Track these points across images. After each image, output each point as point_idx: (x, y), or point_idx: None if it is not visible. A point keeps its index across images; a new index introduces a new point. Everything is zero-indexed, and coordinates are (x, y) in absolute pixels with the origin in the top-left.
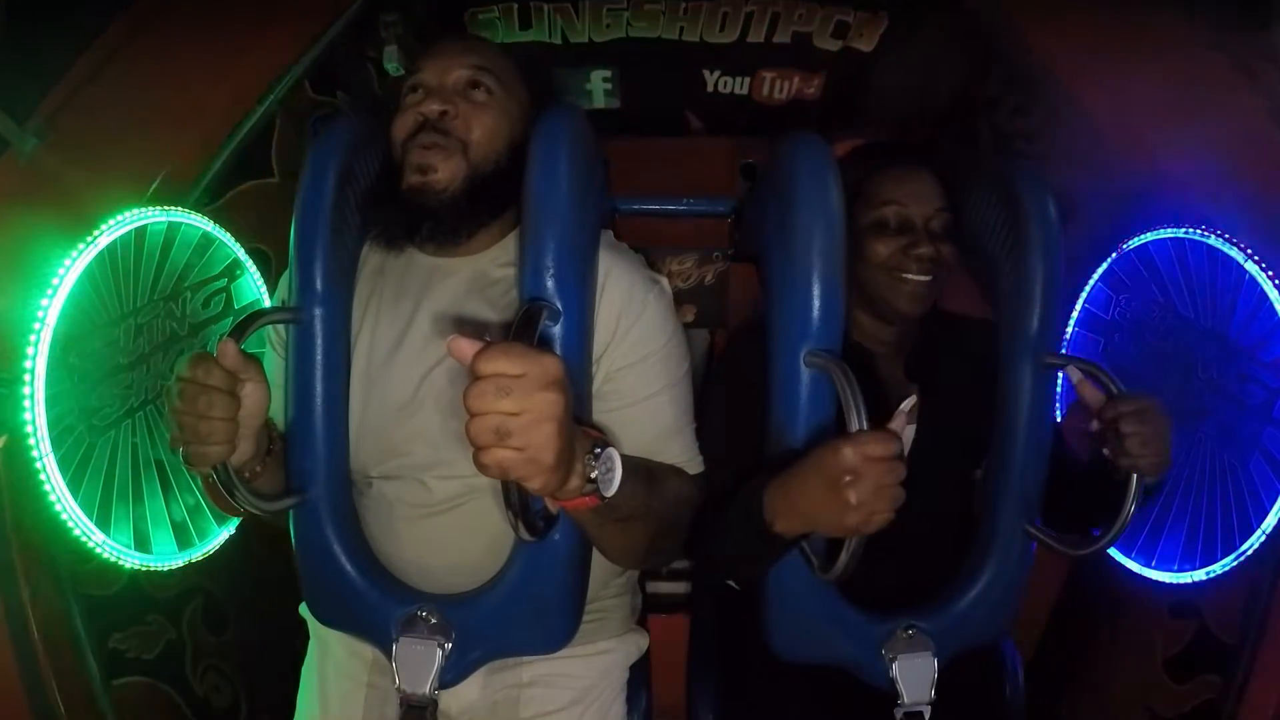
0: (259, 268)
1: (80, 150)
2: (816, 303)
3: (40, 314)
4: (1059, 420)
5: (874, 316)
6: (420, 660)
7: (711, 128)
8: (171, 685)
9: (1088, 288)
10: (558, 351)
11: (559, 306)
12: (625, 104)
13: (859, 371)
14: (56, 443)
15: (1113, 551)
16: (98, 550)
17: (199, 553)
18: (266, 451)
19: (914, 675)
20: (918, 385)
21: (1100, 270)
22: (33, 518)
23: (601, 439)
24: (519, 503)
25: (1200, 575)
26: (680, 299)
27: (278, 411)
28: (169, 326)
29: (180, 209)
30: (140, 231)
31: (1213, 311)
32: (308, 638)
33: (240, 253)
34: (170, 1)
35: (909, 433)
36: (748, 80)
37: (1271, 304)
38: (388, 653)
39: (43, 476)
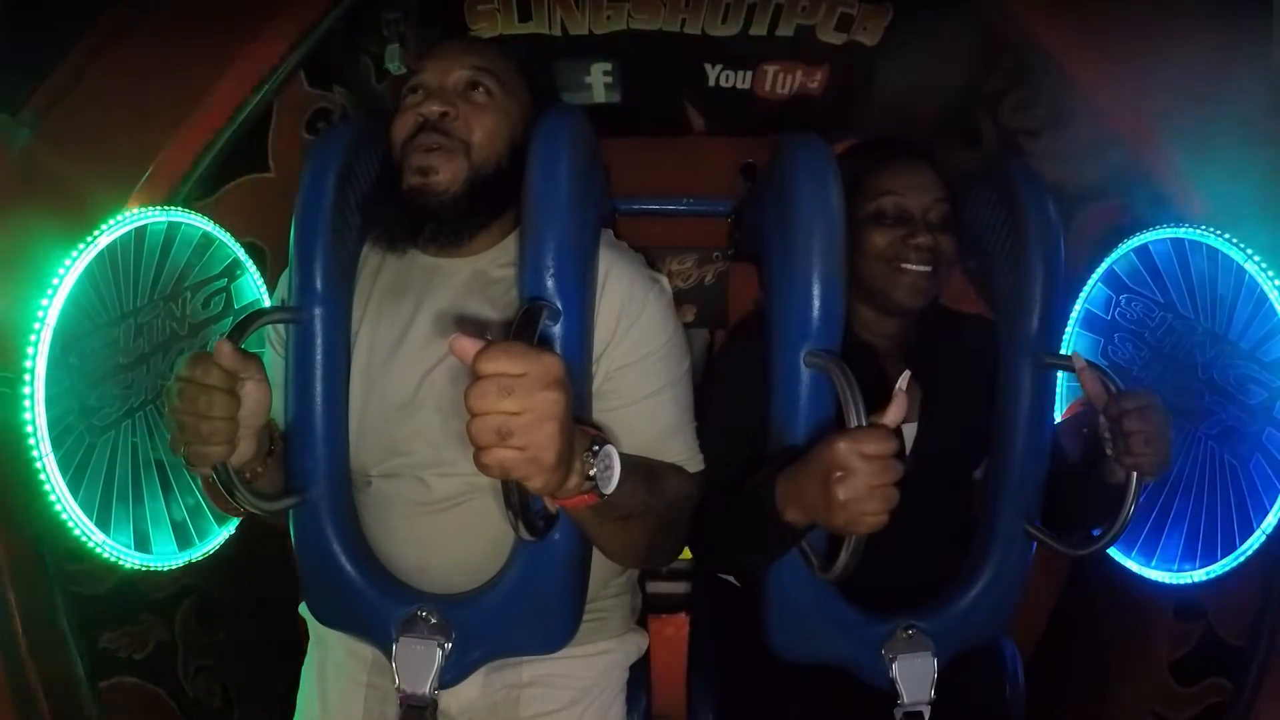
0: (255, 263)
1: (72, 142)
2: (816, 303)
3: (40, 314)
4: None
5: (874, 309)
6: (420, 660)
7: (713, 124)
8: (162, 686)
9: (1088, 288)
10: (558, 351)
11: (559, 306)
12: (626, 98)
13: (860, 367)
14: (56, 443)
15: (1112, 551)
16: (98, 550)
17: (199, 553)
18: (268, 452)
19: (914, 675)
20: (918, 381)
21: (1100, 270)
22: (21, 514)
23: (600, 437)
24: (519, 502)
25: (1200, 575)
26: (680, 299)
27: (279, 411)
28: (169, 326)
29: (180, 209)
30: (140, 231)
31: (1213, 311)
32: (307, 637)
33: (240, 253)
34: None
35: (910, 430)
36: (750, 74)
37: (1271, 304)
38: (387, 653)
39: (43, 476)
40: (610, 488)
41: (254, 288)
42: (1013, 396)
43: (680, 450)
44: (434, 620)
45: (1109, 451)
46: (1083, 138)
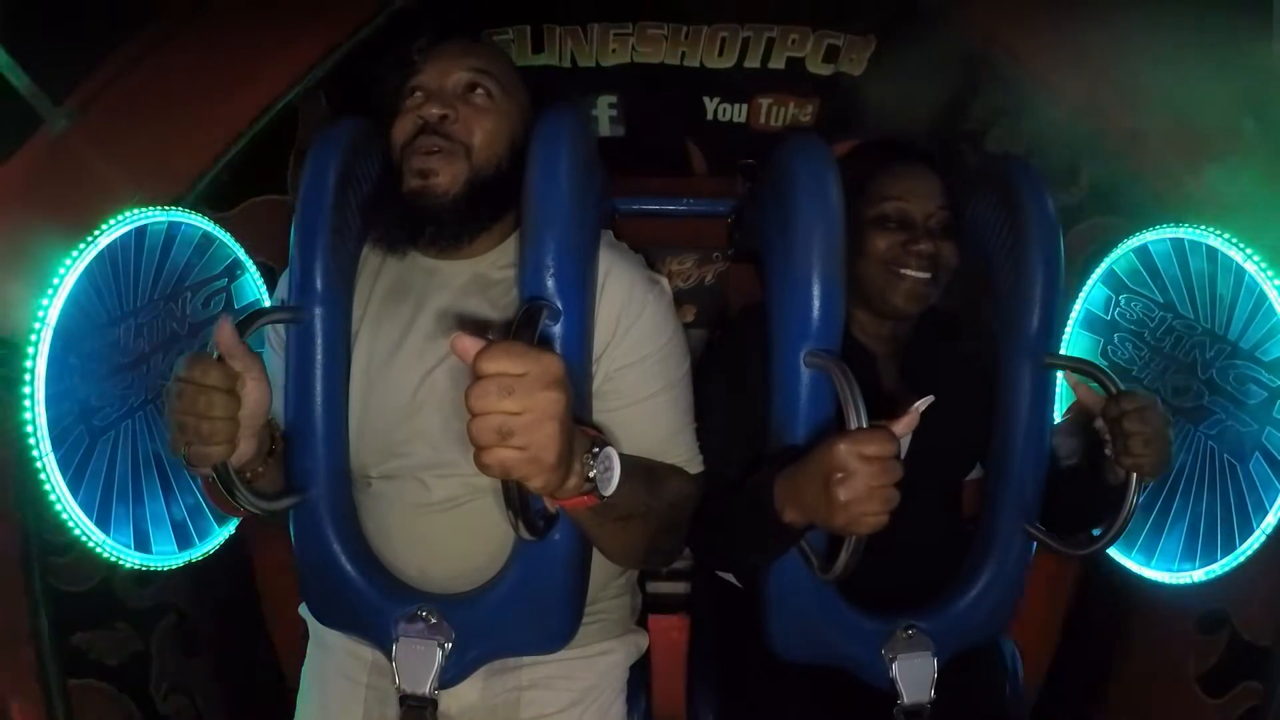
0: (265, 283)
1: (103, 136)
2: (816, 303)
3: (40, 314)
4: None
5: (872, 313)
6: (420, 660)
7: (711, 159)
8: (132, 697)
9: (1087, 288)
10: (558, 351)
11: (559, 306)
12: (629, 132)
13: (856, 370)
14: (56, 443)
15: (1112, 551)
16: (98, 550)
17: (199, 553)
18: (268, 452)
19: (914, 675)
20: (913, 390)
21: (1100, 270)
22: (9, 502)
23: (600, 438)
24: (519, 502)
25: (1200, 575)
26: (680, 299)
27: (279, 412)
28: (169, 326)
29: (180, 209)
30: (140, 231)
31: (1212, 311)
32: (287, 682)
33: (240, 253)
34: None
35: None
36: (745, 107)
37: (1271, 304)
38: (388, 653)
39: (43, 476)
40: (610, 489)
41: (254, 288)
42: (1013, 396)
43: (680, 451)
44: (434, 620)
45: (1109, 452)
46: (1069, 157)
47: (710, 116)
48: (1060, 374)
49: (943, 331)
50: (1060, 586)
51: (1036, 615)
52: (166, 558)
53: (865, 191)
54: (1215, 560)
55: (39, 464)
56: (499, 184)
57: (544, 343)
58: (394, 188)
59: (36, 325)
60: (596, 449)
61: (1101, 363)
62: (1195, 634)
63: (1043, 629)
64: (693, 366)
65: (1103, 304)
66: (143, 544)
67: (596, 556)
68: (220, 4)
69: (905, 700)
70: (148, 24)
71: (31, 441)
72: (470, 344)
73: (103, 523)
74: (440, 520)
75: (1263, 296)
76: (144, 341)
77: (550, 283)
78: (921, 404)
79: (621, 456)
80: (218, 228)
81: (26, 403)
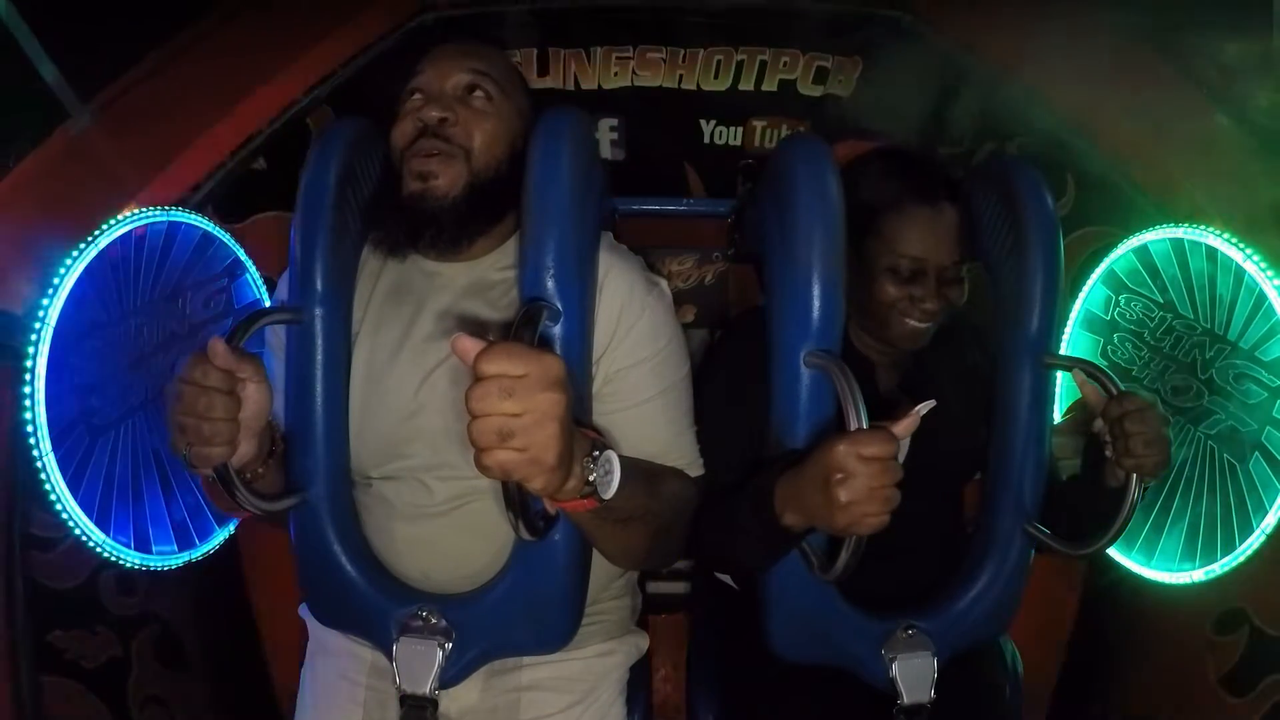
0: (269, 295)
1: (121, 135)
2: (816, 303)
3: (40, 314)
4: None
5: (872, 336)
6: (420, 660)
7: (709, 182)
8: (106, 703)
9: (1087, 288)
10: (558, 351)
11: (559, 306)
12: (630, 156)
13: (856, 375)
14: (56, 442)
15: (1112, 551)
16: (98, 550)
17: (199, 553)
18: (269, 453)
19: (913, 675)
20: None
21: (1100, 270)
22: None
23: (600, 441)
24: (519, 502)
25: (1200, 575)
26: (680, 299)
27: (280, 414)
28: (169, 326)
29: (181, 210)
30: (140, 231)
31: (1212, 311)
32: (279, 699)
33: (240, 253)
34: (240, 13)
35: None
36: (740, 130)
37: (1271, 304)
38: (388, 653)
39: (43, 476)
40: (610, 493)
41: (254, 288)
42: (1012, 397)
43: (681, 454)
44: (434, 620)
45: (1109, 454)
46: (1055, 171)
47: (707, 140)
48: (1066, 374)
49: (942, 338)
50: (1065, 589)
51: (1040, 618)
52: (166, 558)
53: (880, 231)
54: (1215, 560)
55: (39, 463)
56: (499, 186)
57: (544, 343)
58: (394, 190)
59: (36, 325)
60: (597, 452)
61: (1101, 363)
62: (1211, 635)
63: (1047, 632)
64: (693, 368)
65: (1103, 304)
66: (143, 544)
67: (597, 557)
68: (239, 13)
69: (905, 700)
70: (185, 27)
71: (31, 441)
72: (470, 345)
73: (102, 522)
74: (440, 521)
75: (1263, 296)
76: (144, 341)
77: (550, 283)
78: (923, 408)
79: (621, 459)
80: (218, 228)
81: (26, 403)
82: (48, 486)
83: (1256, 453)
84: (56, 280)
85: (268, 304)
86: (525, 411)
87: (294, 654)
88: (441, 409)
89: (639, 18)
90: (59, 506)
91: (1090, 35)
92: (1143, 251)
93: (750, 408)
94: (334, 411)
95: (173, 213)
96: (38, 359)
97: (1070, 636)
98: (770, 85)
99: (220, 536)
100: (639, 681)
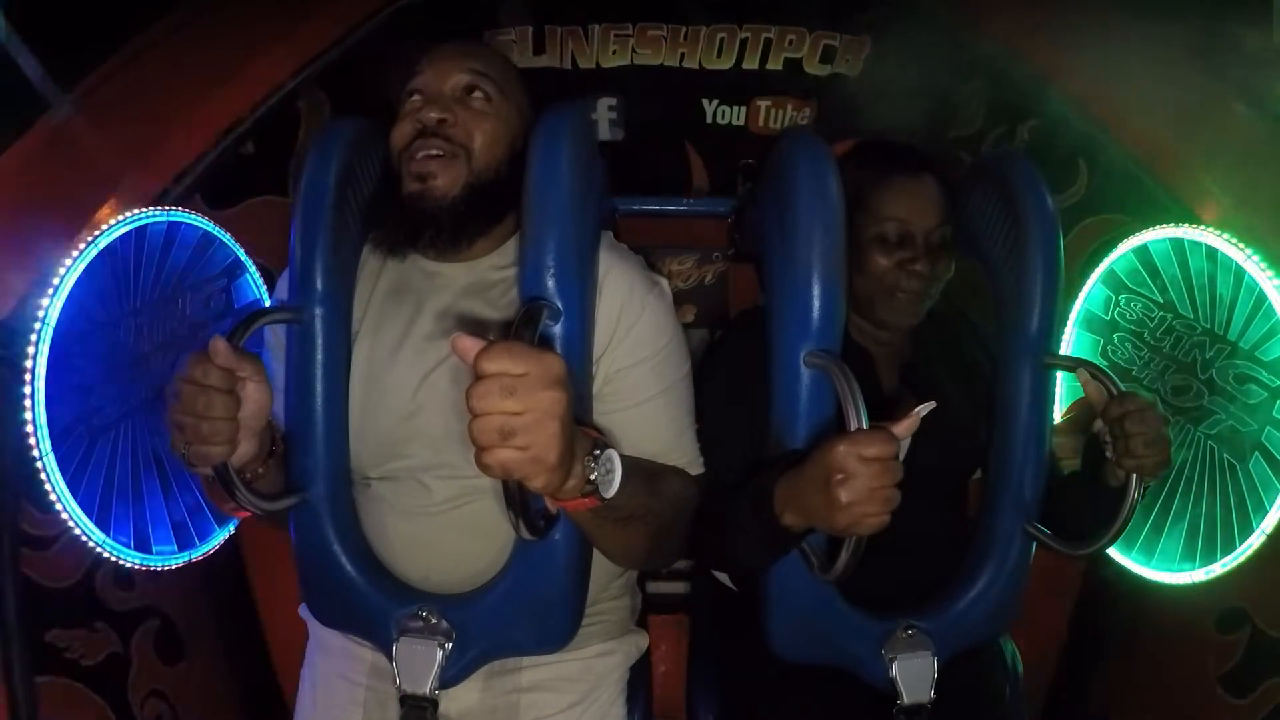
0: (266, 288)
1: (103, 123)
2: (816, 303)
3: (40, 314)
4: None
5: (869, 322)
6: (420, 660)
7: (711, 164)
8: (107, 700)
9: (1088, 288)
10: (558, 351)
11: (559, 306)
12: (628, 136)
13: (856, 371)
14: (56, 442)
15: (1112, 551)
16: (97, 549)
17: (199, 553)
18: (269, 453)
19: (913, 675)
20: (912, 391)
21: (1100, 270)
22: None
23: (601, 440)
24: (520, 502)
25: (1200, 575)
26: (680, 299)
27: (279, 414)
28: (169, 326)
29: (180, 209)
30: (140, 231)
31: (1212, 311)
32: (281, 685)
33: (240, 253)
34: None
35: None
36: (744, 110)
37: (1271, 304)
38: (388, 653)
39: (43, 476)
40: (611, 492)
41: (254, 287)
42: (1013, 396)
43: (681, 453)
44: (434, 620)
45: (1109, 454)
46: (1066, 157)
47: (710, 119)
48: (1066, 374)
49: (941, 330)
50: (1064, 588)
51: (1039, 617)
52: (166, 557)
53: (865, 205)
54: (1215, 560)
55: (39, 463)
56: (498, 187)
57: (544, 343)
58: (394, 190)
59: (36, 325)
60: (598, 450)
61: (1101, 363)
62: (1214, 633)
63: (1047, 631)
64: (693, 368)
65: (1103, 304)
66: (142, 544)
67: (597, 557)
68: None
69: (905, 700)
70: (161, 16)
71: (31, 441)
72: (470, 344)
73: (102, 522)
74: (440, 521)
75: (1263, 296)
76: (144, 341)
77: (550, 283)
78: (923, 409)
79: (622, 458)
80: (217, 228)
81: (26, 403)
82: (48, 487)
83: (1256, 453)
84: (56, 280)
85: (268, 304)
86: (526, 410)
87: (297, 645)
88: (441, 408)
89: None
90: (60, 507)
91: (1104, 15)
92: (1143, 251)
93: (750, 407)
94: (334, 411)
95: (173, 213)
96: (38, 359)
97: (1069, 632)
98: (775, 64)
99: (220, 536)
100: (639, 681)
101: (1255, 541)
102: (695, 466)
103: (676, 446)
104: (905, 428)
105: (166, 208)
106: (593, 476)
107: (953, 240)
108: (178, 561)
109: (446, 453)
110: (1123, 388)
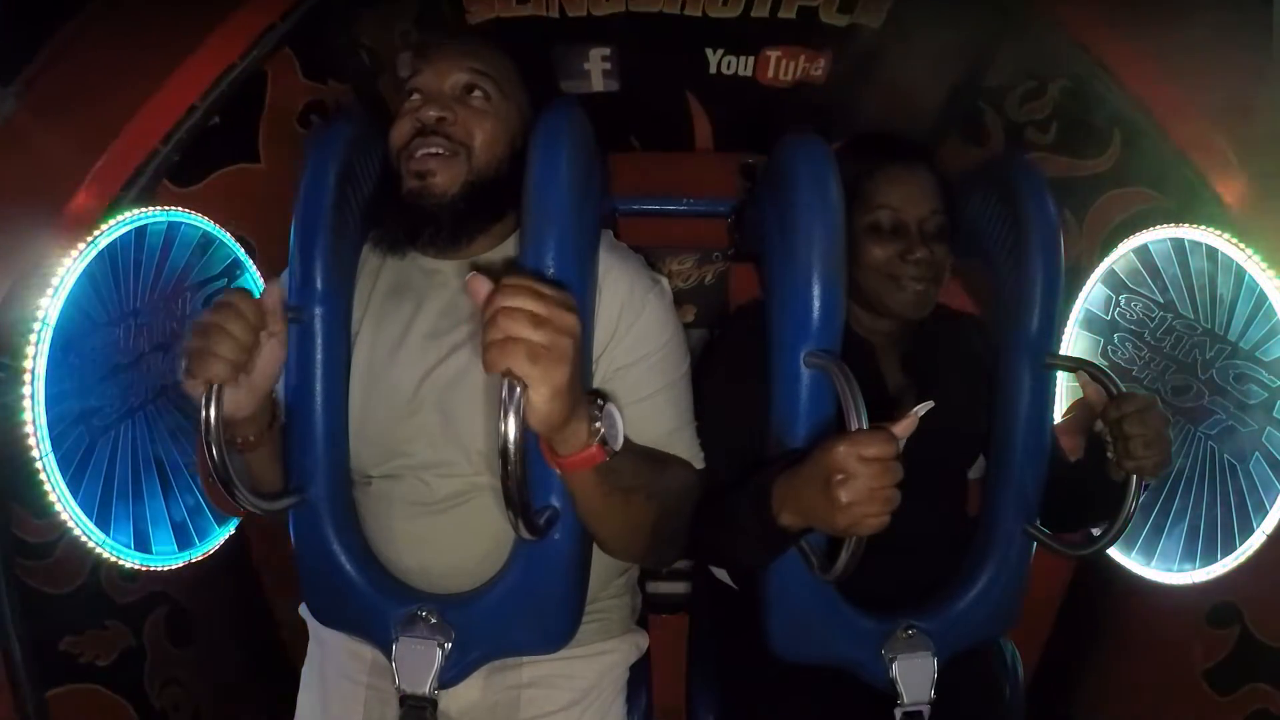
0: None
1: (53, 111)
2: (816, 303)
3: (40, 314)
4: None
5: (871, 312)
6: (420, 660)
7: (716, 116)
8: (126, 696)
9: (1088, 288)
10: None
11: None
12: (625, 87)
13: (856, 364)
14: (56, 443)
15: (1112, 551)
16: (98, 550)
17: (199, 553)
18: (268, 424)
19: (914, 675)
20: (914, 381)
21: (1100, 270)
22: None
23: (602, 393)
24: (520, 501)
25: (1200, 575)
26: (680, 299)
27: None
28: (169, 326)
29: (180, 209)
30: (140, 231)
31: (1212, 311)
32: (289, 659)
33: (240, 253)
34: None
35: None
36: (752, 60)
37: (1271, 304)
38: (387, 652)
39: (43, 476)
40: (618, 443)
41: (254, 287)
42: (1012, 396)
43: (681, 449)
44: (434, 620)
45: (1110, 454)
46: (1098, 125)
47: (714, 70)
48: (1067, 373)
49: (942, 326)
50: (1052, 580)
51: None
52: (166, 558)
53: (859, 196)
54: (1215, 560)
55: (39, 464)
56: (498, 185)
57: None
58: (393, 189)
59: (36, 325)
60: (602, 402)
61: (1102, 363)
62: (1204, 626)
63: (1033, 621)
64: (692, 366)
65: (1103, 304)
66: (142, 544)
67: (597, 556)
68: None
69: (905, 700)
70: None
71: (31, 441)
72: (484, 284)
73: (103, 523)
74: (441, 520)
75: (1263, 296)
76: (144, 341)
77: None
78: (922, 408)
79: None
80: (218, 228)
81: (26, 403)
82: (49, 488)
83: (1256, 453)
84: (55, 280)
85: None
86: (547, 340)
87: (303, 625)
88: (442, 407)
89: None
90: (60, 508)
91: None
92: (1143, 251)
93: (749, 401)
94: (334, 411)
95: (173, 213)
96: (38, 360)
97: (1055, 622)
98: (788, 12)
99: (220, 536)
100: (639, 681)
101: (1256, 542)
102: (696, 461)
103: (676, 443)
104: (904, 428)
105: (167, 208)
106: (598, 425)
107: (949, 233)
108: (178, 561)
109: (447, 451)
110: (1123, 388)
